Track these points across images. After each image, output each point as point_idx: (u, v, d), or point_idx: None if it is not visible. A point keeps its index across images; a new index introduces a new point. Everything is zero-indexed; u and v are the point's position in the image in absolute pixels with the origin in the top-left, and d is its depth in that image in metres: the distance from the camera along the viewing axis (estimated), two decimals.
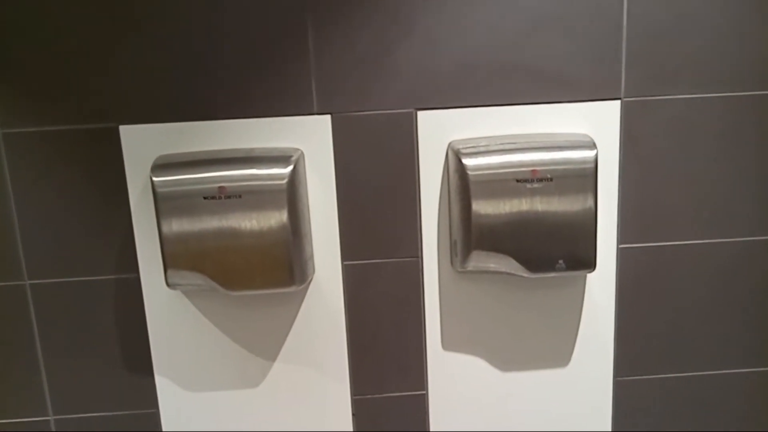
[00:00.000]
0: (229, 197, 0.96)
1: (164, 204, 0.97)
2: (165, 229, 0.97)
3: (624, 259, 1.11)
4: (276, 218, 0.97)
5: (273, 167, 0.98)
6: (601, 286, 1.12)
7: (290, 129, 1.04)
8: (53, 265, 1.06)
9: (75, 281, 1.07)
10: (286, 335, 1.11)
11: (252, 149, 1.03)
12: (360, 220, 1.07)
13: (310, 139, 1.04)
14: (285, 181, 0.97)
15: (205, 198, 0.96)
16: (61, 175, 1.03)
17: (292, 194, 0.98)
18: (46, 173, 1.03)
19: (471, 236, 1.01)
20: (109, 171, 1.04)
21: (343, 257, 1.09)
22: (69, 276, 1.07)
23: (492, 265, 1.03)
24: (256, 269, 0.99)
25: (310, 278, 1.06)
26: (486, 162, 1.00)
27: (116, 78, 1.01)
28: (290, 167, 0.98)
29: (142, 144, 1.03)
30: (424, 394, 1.14)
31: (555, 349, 1.13)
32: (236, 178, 0.97)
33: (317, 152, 1.05)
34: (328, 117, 1.04)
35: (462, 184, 1.01)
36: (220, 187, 0.96)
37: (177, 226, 0.97)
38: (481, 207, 0.99)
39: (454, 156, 1.02)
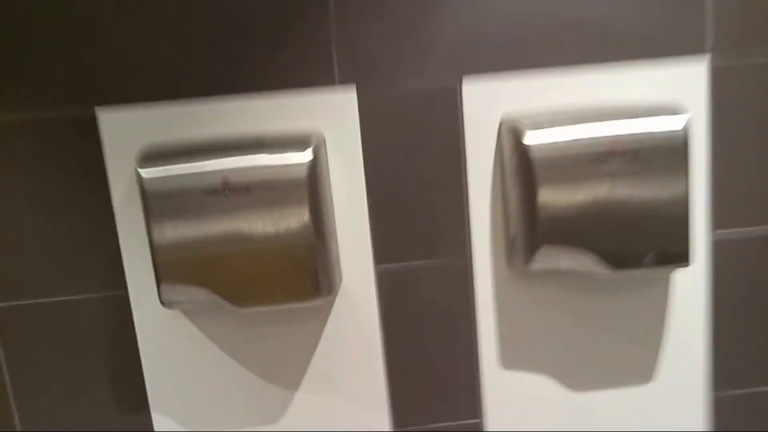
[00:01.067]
0: (235, 191, 0.83)
1: (154, 202, 0.83)
2: (156, 233, 0.84)
3: (718, 250, 0.97)
4: (295, 215, 0.83)
5: (289, 153, 0.84)
6: (690, 284, 0.98)
7: (307, 106, 0.90)
8: (22, 284, 0.92)
9: (49, 302, 0.93)
10: (310, 359, 0.97)
11: (261, 132, 0.89)
12: (395, 214, 0.93)
13: (331, 118, 0.90)
14: (305, 170, 0.83)
15: (205, 193, 0.83)
16: (24, 174, 0.89)
17: (313, 185, 0.84)
18: (6, 173, 0.90)
19: (537, 229, 0.87)
20: (85, 165, 0.90)
21: (377, 260, 0.95)
22: (42, 296, 0.93)
23: (564, 264, 0.89)
24: (272, 279, 0.85)
25: (337, 288, 0.92)
26: (552, 137, 0.86)
27: (90, 49, 0.86)
28: (310, 152, 0.84)
29: (125, 130, 0.89)
30: (478, 422, 1.01)
31: (637, 362, 1.00)
32: (244, 167, 0.83)
33: (340, 133, 0.91)
34: (353, 90, 0.90)
35: (523, 166, 0.87)
36: (223, 180, 0.82)
37: (171, 229, 0.83)
38: (549, 192, 0.86)
39: (511, 132, 0.88)
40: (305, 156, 0.83)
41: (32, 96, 0.87)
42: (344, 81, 0.89)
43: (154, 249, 0.84)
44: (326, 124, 0.90)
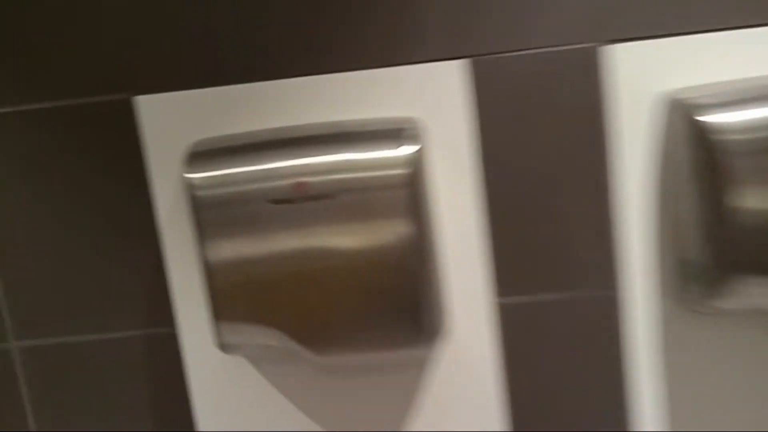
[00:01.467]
0: (312, 199, 0.65)
1: (207, 215, 0.66)
2: (211, 256, 0.67)
3: None
4: (391, 231, 0.64)
5: (382, 148, 0.65)
6: None
7: (398, 87, 0.71)
8: (48, 318, 0.77)
9: (80, 342, 0.78)
10: (409, 420, 0.77)
11: (342, 122, 0.71)
12: (520, 229, 0.73)
13: (431, 102, 0.71)
14: (403, 169, 0.64)
15: (273, 202, 0.65)
16: (46, 181, 0.75)
17: (415, 190, 0.65)
18: (28, 178, 0.76)
19: (727, 251, 0.65)
20: (122, 168, 0.74)
21: (496, 292, 0.75)
22: (71, 333, 0.78)
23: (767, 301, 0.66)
24: (360, 318, 0.66)
25: (445, 329, 0.72)
26: (747, 119, 0.64)
27: (127, 24, 0.71)
28: (410, 146, 0.65)
29: (170, 123, 0.73)
30: None
31: None
32: (323, 167, 0.65)
33: (445, 122, 0.72)
34: (460, 64, 0.71)
35: (705, 161, 0.65)
36: (297, 184, 0.65)
37: (230, 250, 0.66)
38: (746, 197, 0.63)
39: (683, 113, 0.66)
40: (404, 151, 0.65)
41: (55, 82, 0.73)
42: (448, 51, 0.70)
43: (208, 276, 0.67)
44: (425, 110, 0.72)
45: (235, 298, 0.67)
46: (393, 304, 0.65)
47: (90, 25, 0.71)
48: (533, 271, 0.74)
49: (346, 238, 0.64)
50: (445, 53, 0.70)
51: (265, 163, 0.65)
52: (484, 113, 0.71)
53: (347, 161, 0.64)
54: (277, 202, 0.65)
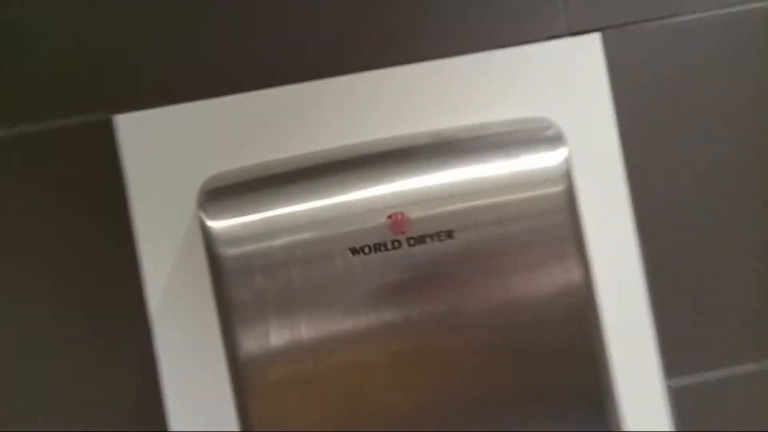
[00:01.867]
0: (419, 242, 0.42)
1: (243, 283, 0.43)
2: (249, 346, 0.43)
3: None
4: (549, 281, 0.42)
5: (518, 157, 0.44)
6: None
7: (513, 73, 0.51)
8: None
9: None
10: None
11: (442, 130, 0.50)
12: (694, 277, 0.53)
13: (560, 95, 0.52)
14: (560, 187, 0.43)
15: (354, 252, 0.42)
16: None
17: (575, 217, 0.44)
18: None
19: None
20: (98, 216, 0.51)
21: (668, 369, 0.53)
22: None
23: None
24: (513, 422, 0.43)
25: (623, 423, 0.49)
26: None
27: (104, 24, 0.50)
28: (563, 153, 0.44)
29: (163, 149, 0.50)
30: None
31: None
32: (433, 193, 0.43)
33: (580, 123, 0.52)
34: (596, 38, 0.52)
35: None
36: (393, 220, 0.42)
37: (281, 335, 0.43)
38: None
39: None
40: (554, 159, 0.43)
41: (16, 102, 0.49)
42: (580, 23, 0.52)
43: (242, 381, 0.43)
44: (553, 107, 0.51)
45: (289, 414, 0.43)
46: (563, 395, 0.42)
47: (59, 29, 0.49)
48: (720, 338, 0.53)
49: (477, 300, 0.42)
50: (577, 25, 0.52)
51: (334, 194, 0.43)
52: (626, 104, 0.51)
53: (469, 181, 0.42)
54: (359, 251, 0.41)
